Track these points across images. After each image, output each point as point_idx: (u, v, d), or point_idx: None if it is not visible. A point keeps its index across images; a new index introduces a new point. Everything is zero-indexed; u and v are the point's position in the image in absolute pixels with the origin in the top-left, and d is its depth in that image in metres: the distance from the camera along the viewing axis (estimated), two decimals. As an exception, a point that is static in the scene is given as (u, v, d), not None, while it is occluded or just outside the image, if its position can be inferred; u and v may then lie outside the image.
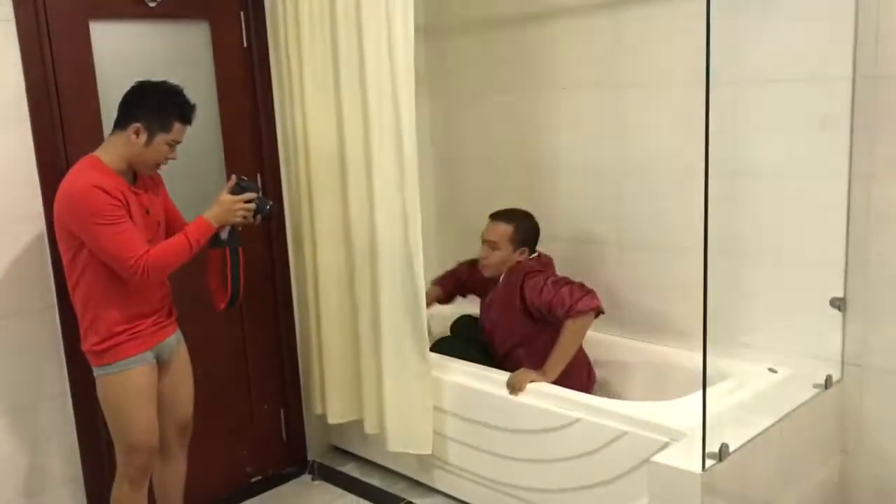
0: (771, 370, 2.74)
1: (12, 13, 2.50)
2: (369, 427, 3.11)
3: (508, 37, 3.38)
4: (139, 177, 2.39)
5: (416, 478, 3.20)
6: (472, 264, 3.31)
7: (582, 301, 2.79)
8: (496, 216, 3.06)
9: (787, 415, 2.45)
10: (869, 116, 2.48)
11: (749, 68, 2.66)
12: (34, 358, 2.66)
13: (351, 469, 3.41)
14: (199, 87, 2.90)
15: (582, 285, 2.86)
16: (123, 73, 2.58)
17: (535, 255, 3.05)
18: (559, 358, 2.82)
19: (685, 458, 2.18)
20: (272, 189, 3.20)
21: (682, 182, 2.91)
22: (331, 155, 3.01)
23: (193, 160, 2.87)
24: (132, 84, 2.35)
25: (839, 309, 2.64)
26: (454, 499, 3.06)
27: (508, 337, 3.03)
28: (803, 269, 2.67)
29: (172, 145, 2.36)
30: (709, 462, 2.13)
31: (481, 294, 3.27)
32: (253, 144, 3.17)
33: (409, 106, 2.71)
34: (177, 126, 2.34)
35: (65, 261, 2.33)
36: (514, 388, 2.76)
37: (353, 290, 3.05)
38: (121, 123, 2.32)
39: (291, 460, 3.43)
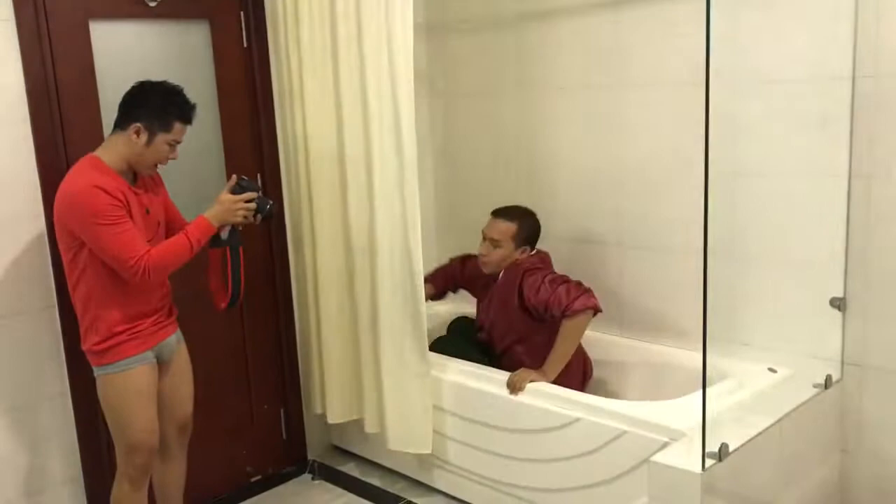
0: (771, 370, 2.74)
1: (12, 13, 2.50)
2: (369, 426, 3.11)
3: (508, 36, 3.38)
4: (139, 177, 2.39)
5: (415, 477, 3.20)
6: (466, 260, 3.31)
7: (579, 300, 2.79)
8: (499, 213, 3.05)
9: (787, 415, 2.45)
10: (869, 116, 2.48)
11: (749, 68, 2.66)
12: (34, 358, 2.66)
13: (351, 468, 3.41)
14: (199, 86, 2.90)
15: (579, 284, 2.86)
16: (123, 72, 2.59)
17: (534, 252, 3.06)
18: (558, 358, 2.82)
19: (685, 457, 2.18)
20: (272, 189, 3.20)
21: (682, 182, 2.91)
22: (331, 155, 3.01)
23: (193, 160, 2.87)
24: (132, 84, 2.36)
25: (839, 309, 2.64)
26: (454, 498, 3.06)
27: (507, 334, 3.03)
28: (803, 269, 2.67)
29: (173, 145, 2.36)
30: (708, 462, 2.13)
31: (474, 290, 3.26)
32: (253, 144, 3.17)
33: (408, 105, 2.71)
34: (177, 126, 2.34)
35: (65, 261, 2.33)
36: (513, 387, 2.76)
37: (352, 290, 3.06)
38: (121, 123, 2.32)
39: (291, 460, 3.43)
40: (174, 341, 2.53)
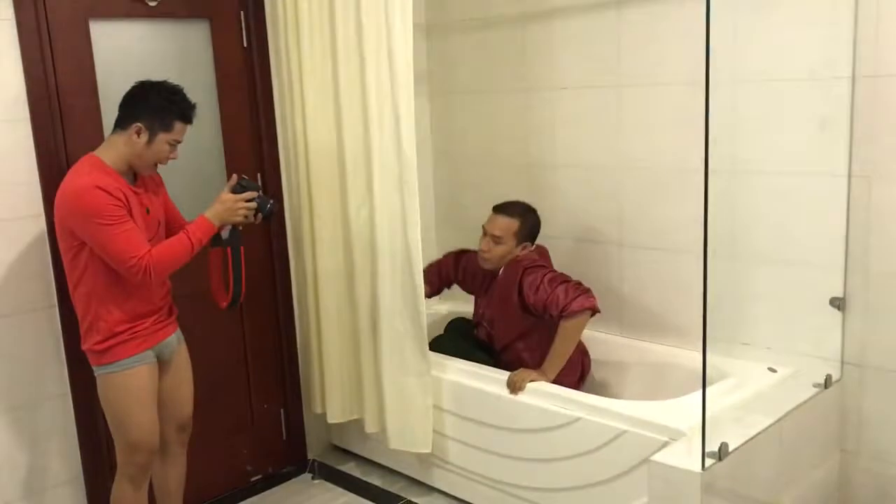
0: (770, 370, 2.74)
1: (13, 13, 2.50)
2: (369, 426, 3.12)
3: (509, 36, 3.38)
4: (139, 176, 2.39)
5: (415, 477, 3.20)
6: (460, 255, 3.30)
7: (576, 301, 2.79)
8: (501, 209, 3.03)
9: (787, 414, 2.45)
10: (869, 116, 2.49)
11: (749, 68, 2.67)
12: (34, 358, 2.66)
13: (351, 468, 3.41)
14: (200, 86, 2.90)
15: (578, 284, 2.86)
16: (123, 72, 2.59)
17: (533, 247, 3.05)
18: (557, 358, 2.83)
19: (685, 457, 2.19)
20: (272, 188, 3.20)
21: (682, 181, 2.91)
22: (331, 154, 3.01)
23: (193, 160, 2.87)
24: (133, 84, 2.36)
25: (839, 308, 2.64)
26: (454, 498, 3.06)
27: (508, 330, 3.03)
28: (803, 269, 2.67)
29: (173, 145, 2.36)
30: (708, 461, 2.14)
31: (470, 286, 3.25)
32: (253, 144, 3.17)
33: (408, 105, 2.71)
34: (178, 125, 2.34)
35: (65, 260, 2.33)
36: (513, 387, 2.77)
37: (352, 290, 3.06)
38: (122, 123, 2.32)
39: (291, 459, 3.43)
40: (174, 341, 2.53)
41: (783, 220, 2.69)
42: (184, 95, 2.36)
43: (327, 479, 3.36)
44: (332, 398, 3.22)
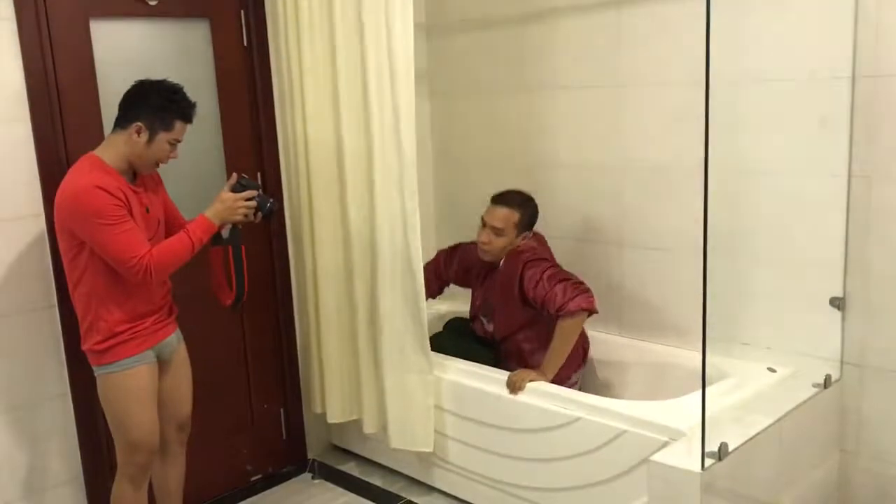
0: (770, 370, 2.74)
1: (13, 12, 2.50)
2: (368, 426, 3.12)
3: (509, 36, 3.38)
4: (138, 176, 2.39)
5: (416, 476, 3.20)
6: (452, 251, 3.29)
7: (574, 301, 2.79)
8: (500, 200, 3.01)
9: (787, 414, 2.45)
10: (869, 116, 2.49)
11: (749, 68, 2.67)
12: (34, 358, 2.66)
13: (351, 468, 3.41)
14: (200, 85, 2.90)
15: (577, 283, 2.86)
16: (124, 71, 2.58)
17: (531, 234, 3.05)
18: (555, 357, 2.83)
19: (685, 457, 2.19)
20: (272, 188, 3.20)
21: (682, 181, 2.91)
22: (330, 154, 3.01)
23: (193, 159, 2.87)
24: (133, 83, 2.35)
25: (839, 308, 2.64)
26: (454, 497, 3.06)
27: (509, 321, 3.03)
28: (803, 269, 2.67)
29: (174, 144, 2.36)
30: (708, 461, 2.14)
31: (466, 280, 3.25)
32: (253, 143, 3.17)
33: (408, 105, 2.71)
34: (178, 124, 2.34)
35: (65, 260, 2.33)
36: (513, 387, 2.77)
37: (352, 290, 3.06)
38: (122, 122, 2.31)
39: (291, 459, 3.43)
40: (174, 340, 2.53)
41: (783, 220, 2.69)
42: (184, 94, 2.36)
43: (327, 479, 3.36)
44: (332, 398, 3.21)
